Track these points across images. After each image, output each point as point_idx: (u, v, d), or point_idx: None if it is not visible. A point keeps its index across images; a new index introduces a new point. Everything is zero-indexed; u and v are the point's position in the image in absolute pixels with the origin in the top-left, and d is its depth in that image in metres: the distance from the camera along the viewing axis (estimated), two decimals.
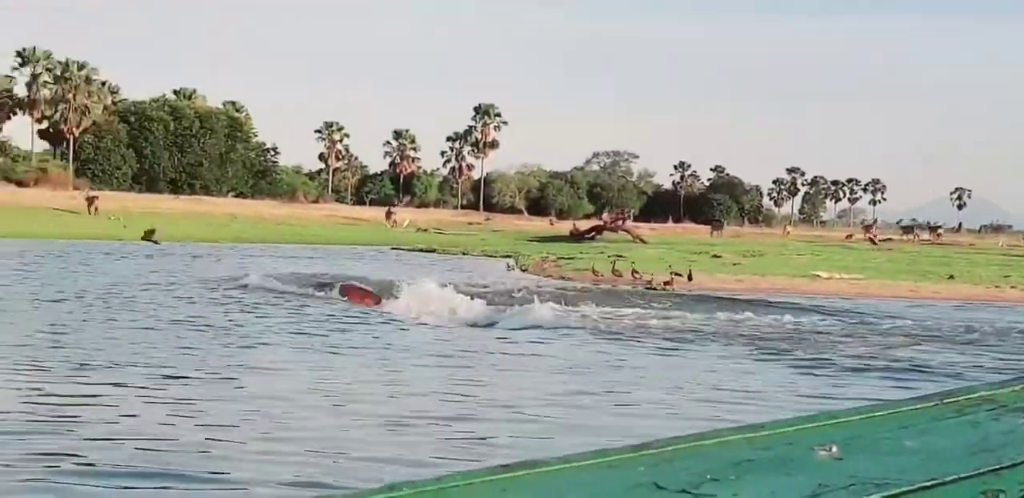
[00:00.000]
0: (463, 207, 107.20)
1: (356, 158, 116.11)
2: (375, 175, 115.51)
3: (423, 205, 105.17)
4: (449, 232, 59.57)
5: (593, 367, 12.04)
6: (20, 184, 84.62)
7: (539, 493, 1.81)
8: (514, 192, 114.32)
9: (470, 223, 71.26)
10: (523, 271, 33.59)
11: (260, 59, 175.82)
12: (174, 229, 50.18)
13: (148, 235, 43.00)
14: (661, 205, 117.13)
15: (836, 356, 13.59)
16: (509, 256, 40.68)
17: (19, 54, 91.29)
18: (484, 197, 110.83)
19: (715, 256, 40.62)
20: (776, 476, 1.90)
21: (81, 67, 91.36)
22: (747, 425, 2.18)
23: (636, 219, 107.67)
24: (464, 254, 44.29)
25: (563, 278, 30.24)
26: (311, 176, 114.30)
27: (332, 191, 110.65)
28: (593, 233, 55.64)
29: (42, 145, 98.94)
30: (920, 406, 2.48)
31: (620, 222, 58.19)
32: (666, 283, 27.37)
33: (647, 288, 26.49)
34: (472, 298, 18.81)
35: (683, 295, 24.12)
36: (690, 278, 28.25)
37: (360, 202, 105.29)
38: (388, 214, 65.79)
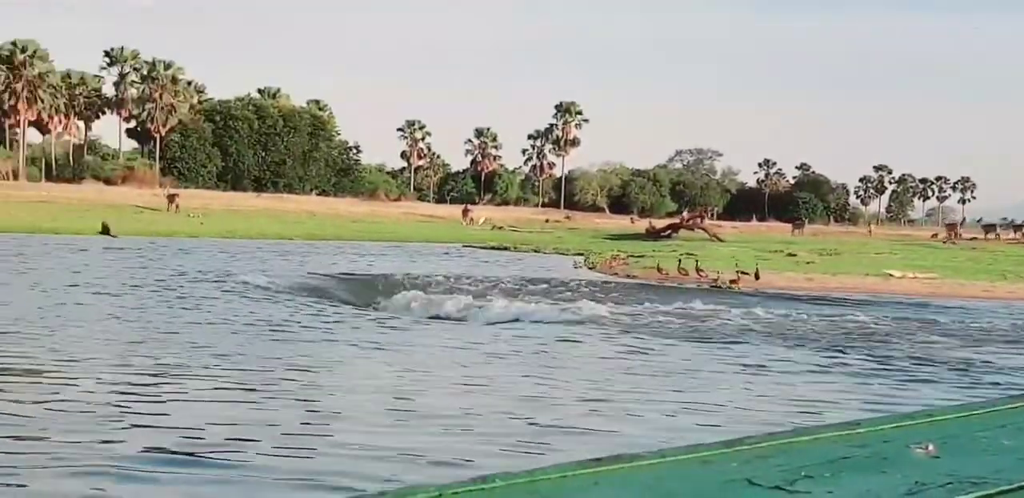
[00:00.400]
0: (544, 205, 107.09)
1: (438, 156, 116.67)
2: (457, 173, 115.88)
3: (504, 203, 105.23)
4: (524, 230, 59.34)
5: (624, 363, 11.67)
6: (108, 182, 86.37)
7: (632, 487, 1.84)
8: (596, 190, 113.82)
9: (546, 220, 70.92)
10: (590, 269, 33.16)
11: (344, 58, 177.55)
12: (251, 226, 50.77)
13: (105, 230, 42.63)
14: (745, 203, 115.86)
15: (896, 355, 13.12)
16: (581, 254, 40.30)
17: (107, 54, 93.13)
18: (566, 195, 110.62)
19: (790, 255, 39.79)
20: (872, 474, 1.91)
21: (167, 67, 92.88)
22: (842, 423, 2.24)
23: (719, 217, 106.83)
24: (536, 251, 43.99)
25: (629, 276, 29.79)
26: (394, 174, 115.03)
27: (414, 189, 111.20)
28: (669, 231, 55.01)
29: (131, 144, 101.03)
30: (1017, 405, 2.55)
31: (697, 220, 57.45)
32: (732, 281, 26.86)
33: (712, 286, 26.05)
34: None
35: (744, 293, 23.59)
36: (757, 277, 27.60)
37: (441, 200, 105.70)
38: (465, 212, 65.79)
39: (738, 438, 2.05)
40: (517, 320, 15.56)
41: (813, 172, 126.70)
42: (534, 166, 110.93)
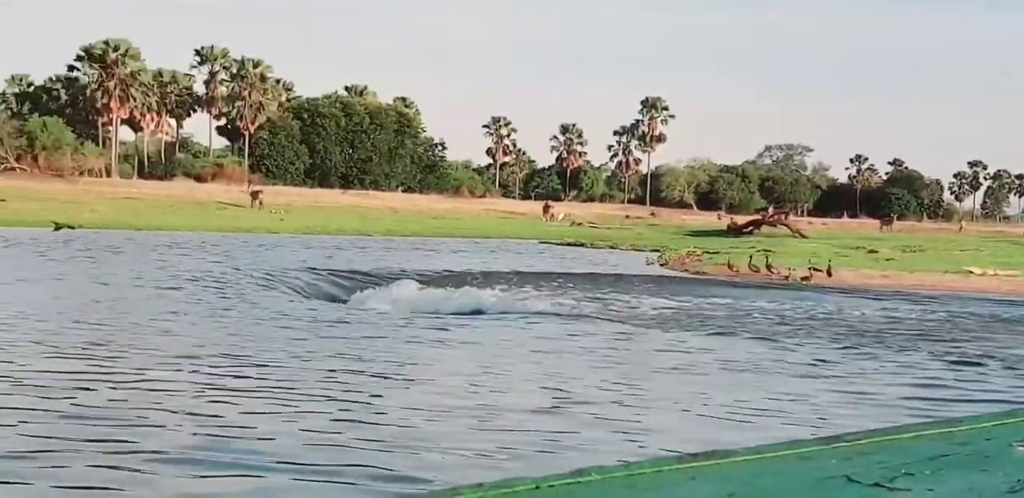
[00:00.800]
0: (630, 202, 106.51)
1: (524, 153, 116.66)
2: (542, 170, 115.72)
3: (589, 200, 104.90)
4: (604, 226, 58.98)
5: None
6: (198, 179, 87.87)
7: (728, 482, 1.83)
8: (683, 186, 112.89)
9: (627, 217, 70.52)
10: (662, 266, 32.79)
11: (430, 55, 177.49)
12: (331, 222, 51.16)
13: (59, 226, 42.35)
14: (836, 199, 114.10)
15: (960, 351, 12.70)
16: (657, 251, 39.91)
17: (197, 52, 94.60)
18: (653, 191, 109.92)
19: (871, 251, 39.11)
20: (973, 472, 1.87)
21: (256, 65, 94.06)
22: (943, 420, 2.25)
23: (809, 214, 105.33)
24: (612, 248, 43.67)
25: (699, 273, 29.40)
26: (480, 171, 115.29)
27: (500, 186, 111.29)
28: (751, 228, 54.31)
29: (222, 141, 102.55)
30: None
31: (781, 217, 56.62)
32: (804, 278, 26.39)
33: (783, 283, 25.60)
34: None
35: (815, 289, 23.10)
36: (829, 273, 27.11)
37: (527, 197, 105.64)
38: (546, 208, 65.65)
39: (837, 435, 2.02)
40: (556, 314, 15.34)
41: (906, 168, 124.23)
42: (619, 162, 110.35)
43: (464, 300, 16.13)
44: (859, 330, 14.92)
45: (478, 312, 15.38)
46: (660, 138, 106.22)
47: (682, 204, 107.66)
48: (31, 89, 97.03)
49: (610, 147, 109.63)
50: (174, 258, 25.88)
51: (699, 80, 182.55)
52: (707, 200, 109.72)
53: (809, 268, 27.42)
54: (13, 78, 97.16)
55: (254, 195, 59.74)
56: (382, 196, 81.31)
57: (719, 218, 70.68)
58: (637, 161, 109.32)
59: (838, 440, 1.99)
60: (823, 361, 11.55)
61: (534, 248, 42.55)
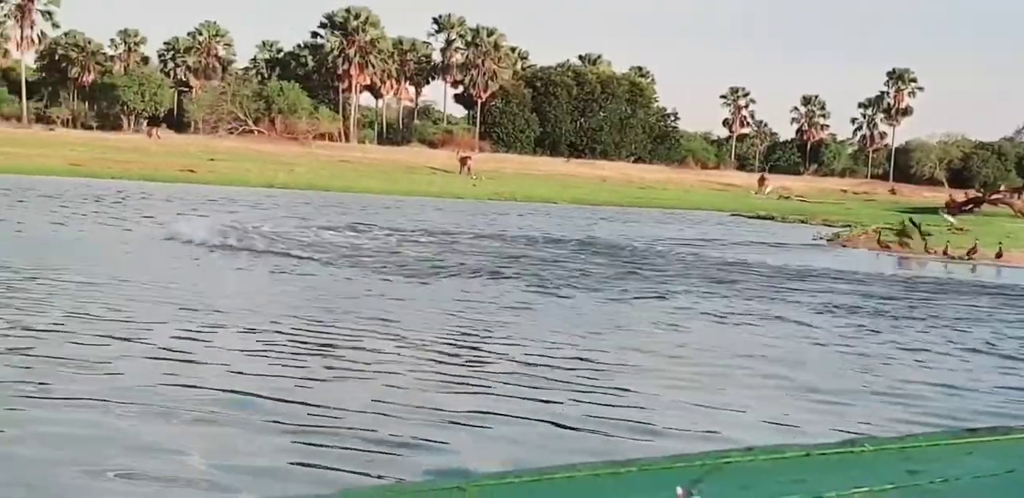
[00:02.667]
0: (874, 177, 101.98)
1: (766, 125, 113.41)
2: (785, 143, 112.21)
3: (828, 174, 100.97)
4: (814, 200, 56.45)
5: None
6: (432, 145, 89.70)
7: (1007, 458, 1.87)
8: (934, 162, 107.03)
9: (844, 191, 67.29)
10: (828, 241, 31.09)
11: (668, 24, 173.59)
12: (522, 188, 51.09)
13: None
14: None
15: None
16: (848, 226, 37.96)
17: (435, 21, 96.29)
18: (903, 167, 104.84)
19: None
20: None
21: (490, 33, 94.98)
22: None
23: None
24: (802, 222, 41.77)
25: (855, 247, 27.86)
26: (720, 143, 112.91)
27: (735, 158, 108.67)
28: (971, 206, 50.75)
29: (459, 109, 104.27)
30: None
31: (1006, 195, 52.75)
32: (969, 253, 24.73)
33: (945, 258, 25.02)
34: None
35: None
36: (999, 255, 25.07)
37: (764, 170, 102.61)
38: (761, 180, 63.52)
39: None
40: None
41: None
42: (863, 136, 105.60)
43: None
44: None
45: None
46: (907, 111, 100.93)
47: (932, 181, 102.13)
48: (280, 55, 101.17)
49: (854, 120, 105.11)
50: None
51: (957, 50, 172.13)
52: (960, 177, 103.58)
53: (972, 247, 25.46)
54: (264, 44, 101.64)
55: (463, 161, 60.30)
56: (605, 165, 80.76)
57: (966, 196, 66.22)
58: (882, 135, 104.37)
59: None
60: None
61: (719, 220, 41.28)
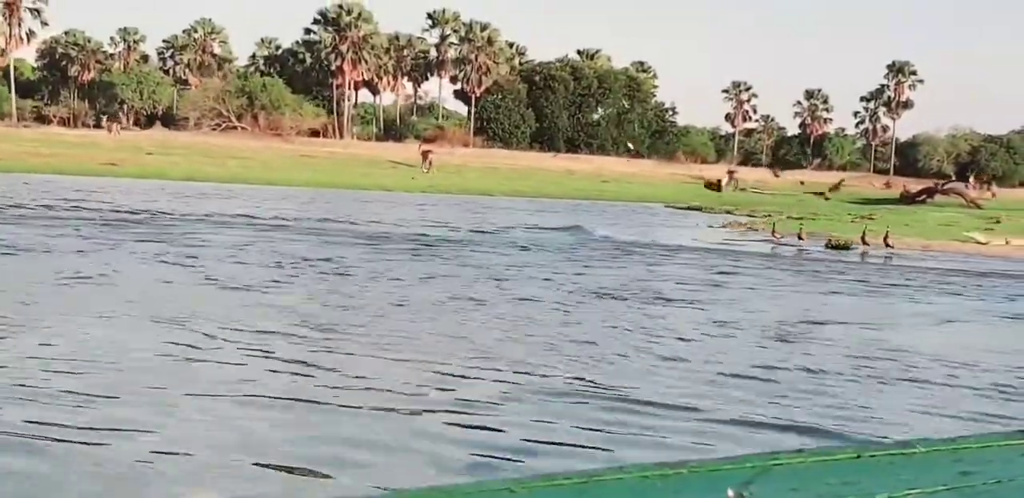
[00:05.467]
0: (877, 171, 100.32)
1: (772, 119, 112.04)
2: (792, 137, 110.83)
3: (831, 168, 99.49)
4: (768, 193, 55.44)
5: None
6: (427, 141, 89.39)
7: None
8: (942, 156, 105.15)
9: (801, 183, 66.02)
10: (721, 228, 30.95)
11: (669, 19, 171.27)
12: (472, 182, 50.67)
13: None
14: None
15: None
16: (768, 216, 37.33)
17: (430, 16, 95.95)
18: (910, 161, 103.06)
19: (996, 221, 35.24)
20: None
21: (484, 28, 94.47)
22: None
23: None
24: (728, 213, 41.06)
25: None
26: (727, 138, 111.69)
27: (744, 153, 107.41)
28: (924, 196, 49.89)
29: (459, 105, 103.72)
30: None
31: (972, 185, 51.96)
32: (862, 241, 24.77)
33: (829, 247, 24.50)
34: None
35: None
36: (886, 242, 24.62)
37: (773, 165, 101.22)
38: (730, 174, 62.47)
39: None
40: None
41: None
42: (866, 130, 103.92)
43: None
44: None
45: None
46: (907, 104, 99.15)
47: (940, 175, 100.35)
48: (279, 52, 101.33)
49: (856, 113, 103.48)
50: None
51: (961, 42, 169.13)
52: (968, 171, 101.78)
53: (861, 237, 24.96)
54: (263, 41, 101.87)
55: (424, 155, 59.87)
56: (594, 159, 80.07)
57: (904, 188, 64.93)
58: (885, 128, 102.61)
59: None
60: None
61: (645, 211, 40.86)
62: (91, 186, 33.43)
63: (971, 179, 62.90)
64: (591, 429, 6.22)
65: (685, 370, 8.28)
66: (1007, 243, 25.12)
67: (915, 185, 54.05)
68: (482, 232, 24.08)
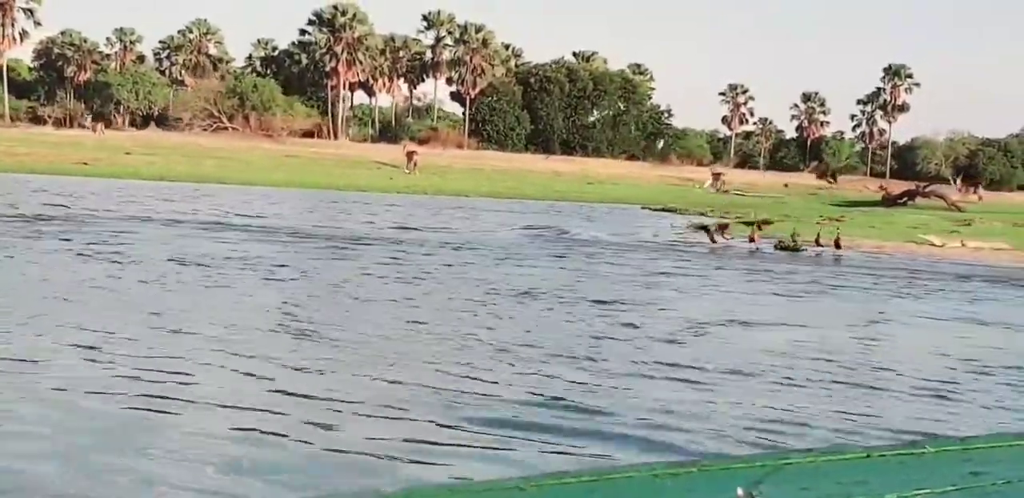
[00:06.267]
0: (875, 174, 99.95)
1: (771, 122, 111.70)
2: (790, 140, 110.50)
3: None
4: (750, 194, 55.11)
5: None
6: (422, 142, 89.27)
7: None
8: (940, 159, 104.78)
9: (785, 185, 65.72)
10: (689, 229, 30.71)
11: (667, 21, 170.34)
12: (451, 183, 50.47)
13: None
14: None
15: None
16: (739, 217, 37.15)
17: (425, 18, 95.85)
18: (909, 164, 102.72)
19: (967, 224, 34.90)
20: None
21: (479, 30, 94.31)
22: None
23: None
24: (702, 215, 40.82)
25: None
26: (725, 141, 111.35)
27: (742, 155, 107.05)
28: (905, 198, 49.53)
29: (455, 106, 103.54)
30: None
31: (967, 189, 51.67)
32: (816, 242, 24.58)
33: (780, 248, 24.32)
34: None
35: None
36: (837, 244, 24.34)
37: (771, 168, 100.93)
38: (716, 176, 62.22)
39: None
40: None
41: None
42: (862, 133, 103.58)
43: None
44: None
45: None
46: (903, 107, 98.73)
47: (938, 178, 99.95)
48: (275, 53, 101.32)
49: (853, 117, 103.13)
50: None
51: (961, 45, 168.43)
52: (967, 175, 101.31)
53: (816, 239, 24.77)
54: (259, 42, 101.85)
55: (409, 156, 59.64)
56: (587, 162, 79.80)
57: (886, 190, 64.39)
58: (881, 132, 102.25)
59: None
60: None
61: (622, 212, 40.75)
62: (51, 186, 33.32)
63: (958, 181, 62.44)
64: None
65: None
66: (962, 245, 24.92)
67: (897, 187, 53.64)
68: (420, 230, 23.85)
